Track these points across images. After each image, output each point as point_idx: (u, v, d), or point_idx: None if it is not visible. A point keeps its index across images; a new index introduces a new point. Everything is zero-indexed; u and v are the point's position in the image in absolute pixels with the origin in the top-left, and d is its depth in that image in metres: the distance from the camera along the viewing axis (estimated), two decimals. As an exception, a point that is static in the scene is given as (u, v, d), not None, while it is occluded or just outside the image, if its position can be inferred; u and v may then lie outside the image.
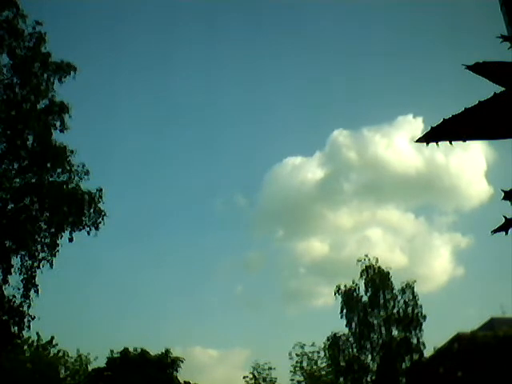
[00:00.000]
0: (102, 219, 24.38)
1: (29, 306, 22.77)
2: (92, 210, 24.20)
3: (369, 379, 39.59)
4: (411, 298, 39.93)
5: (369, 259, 41.02)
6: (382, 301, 40.05)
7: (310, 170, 64.93)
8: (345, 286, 40.74)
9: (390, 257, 51.78)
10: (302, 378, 40.68)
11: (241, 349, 60.85)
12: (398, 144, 58.81)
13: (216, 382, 57.19)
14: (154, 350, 41.45)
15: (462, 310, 54.01)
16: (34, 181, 23.76)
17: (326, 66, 67.95)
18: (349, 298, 40.38)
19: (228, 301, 61.97)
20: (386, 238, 59.57)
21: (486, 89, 1.68)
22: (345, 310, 40.26)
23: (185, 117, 69.02)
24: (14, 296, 22.77)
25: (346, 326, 40.23)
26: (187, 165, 70.15)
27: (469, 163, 60.78)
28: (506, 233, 1.83)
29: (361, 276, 40.76)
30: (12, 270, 22.81)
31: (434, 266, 58.43)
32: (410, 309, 39.62)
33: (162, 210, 68.30)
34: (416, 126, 56.97)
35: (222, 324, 57.91)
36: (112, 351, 41.39)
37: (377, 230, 61.24)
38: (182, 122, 69.37)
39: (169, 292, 62.49)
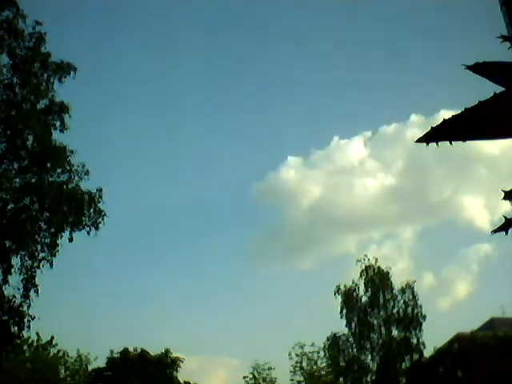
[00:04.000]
0: (102, 219, 24.42)
1: (29, 306, 22.80)
2: (92, 210, 24.23)
3: (369, 379, 39.61)
4: (411, 297, 39.96)
5: (368, 259, 41.10)
6: (381, 301, 40.06)
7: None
8: (344, 286, 40.79)
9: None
10: (301, 378, 40.66)
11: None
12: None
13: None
14: (154, 350, 41.50)
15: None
16: (34, 181, 23.76)
17: (327, 68, 67.93)
18: (348, 298, 40.39)
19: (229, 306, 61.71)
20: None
21: (486, 89, 1.68)
22: (344, 310, 40.28)
23: (186, 116, 68.93)
24: (14, 296, 22.80)
25: (346, 325, 40.28)
26: (192, 164, 70.04)
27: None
28: (506, 233, 1.83)
29: (360, 276, 40.80)
30: (12, 269, 22.84)
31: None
32: (409, 309, 39.63)
33: (164, 211, 68.08)
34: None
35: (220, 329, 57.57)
36: (112, 351, 41.40)
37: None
38: (183, 122, 69.30)
39: (170, 293, 62.37)
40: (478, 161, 58.48)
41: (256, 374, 40.94)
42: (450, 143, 1.76)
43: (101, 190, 24.56)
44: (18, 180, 23.80)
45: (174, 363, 41.45)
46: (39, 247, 23.40)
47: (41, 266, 23.27)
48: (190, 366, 47.14)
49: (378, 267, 40.71)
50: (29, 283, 22.92)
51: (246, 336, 55.98)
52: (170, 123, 68.21)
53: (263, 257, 65.02)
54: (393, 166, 63.75)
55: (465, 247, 63.32)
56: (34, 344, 38.40)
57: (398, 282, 40.75)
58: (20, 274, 22.94)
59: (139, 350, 41.17)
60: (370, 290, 40.33)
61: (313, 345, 40.48)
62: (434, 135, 1.75)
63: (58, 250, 23.62)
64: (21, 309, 22.63)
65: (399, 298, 40.11)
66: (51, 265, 23.48)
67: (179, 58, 66.47)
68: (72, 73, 24.62)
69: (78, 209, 23.99)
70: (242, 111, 69.15)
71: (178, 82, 68.17)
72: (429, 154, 46.83)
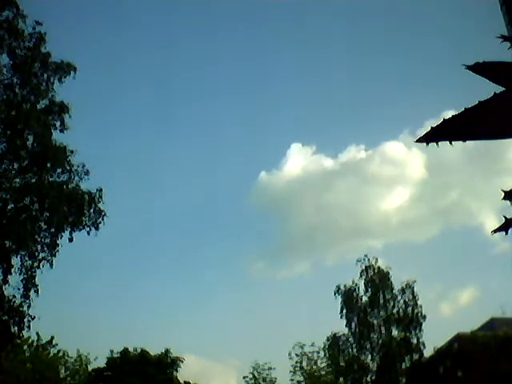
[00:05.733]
0: (102, 219, 24.41)
1: (29, 306, 22.79)
2: (92, 210, 24.23)
3: (369, 379, 39.60)
4: (411, 297, 39.95)
5: (368, 259, 41.07)
6: (381, 301, 40.05)
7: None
8: (344, 285, 40.77)
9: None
10: (302, 378, 40.66)
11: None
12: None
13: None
14: (154, 350, 41.50)
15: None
16: (33, 181, 23.76)
17: (329, 69, 67.96)
18: (348, 298, 40.38)
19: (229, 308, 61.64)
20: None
21: (486, 89, 1.68)
22: (344, 310, 40.27)
23: (186, 116, 68.93)
24: (14, 296, 22.80)
25: (346, 326, 40.28)
26: (190, 165, 70.01)
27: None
28: (506, 233, 1.83)
29: (360, 276, 40.80)
30: (12, 269, 22.84)
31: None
32: (409, 309, 39.62)
33: (165, 213, 68.07)
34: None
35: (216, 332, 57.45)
36: (112, 351, 41.40)
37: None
38: (183, 122, 69.32)
39: (170, 294, 62.38)
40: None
41: (256, 374, 40.97)
42: (450, 143, 1.76)
43: (101, 190, 24.59)
44: (18, 180, 23.81)
45: (174, 363, 41.45)
46: (39, 247, 23.41)
47: (41, 266, 23.29)
48: (191, 366, 47.17)
49: (378, 267, 40.72)
50: (29, 283, 22.91)
51: (246, 336, 56.08)
52: (170, 125, 68.41)
53: (264, 258, 65.14)
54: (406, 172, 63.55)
55: (470, 251, 63.38)
56: (34, 344, 38.37)
57: (398, 282, 40.86)
58: (20, 274, 22.97)
59: (139, 350, 41.18)
60: (370, 290, 40.33)
61: (313, 345, 40.53)
62: (434, 135, 1.74)
63: (58, 250, 23.65)
64: (21, 309, 22.63)
65: (399, 298, 40.12)
66: (51, 265, 23.50)
67: (180, 58, 66.60)
68: (72, 73, 24.64)
69: (78, 209, 23.99)
70: (241, 112, 69.27)
71: (178, 83, 68.24)
72: (436, 160, 47.01)
